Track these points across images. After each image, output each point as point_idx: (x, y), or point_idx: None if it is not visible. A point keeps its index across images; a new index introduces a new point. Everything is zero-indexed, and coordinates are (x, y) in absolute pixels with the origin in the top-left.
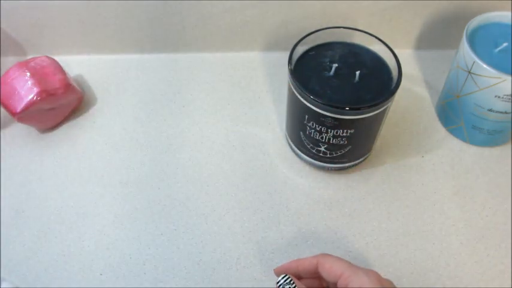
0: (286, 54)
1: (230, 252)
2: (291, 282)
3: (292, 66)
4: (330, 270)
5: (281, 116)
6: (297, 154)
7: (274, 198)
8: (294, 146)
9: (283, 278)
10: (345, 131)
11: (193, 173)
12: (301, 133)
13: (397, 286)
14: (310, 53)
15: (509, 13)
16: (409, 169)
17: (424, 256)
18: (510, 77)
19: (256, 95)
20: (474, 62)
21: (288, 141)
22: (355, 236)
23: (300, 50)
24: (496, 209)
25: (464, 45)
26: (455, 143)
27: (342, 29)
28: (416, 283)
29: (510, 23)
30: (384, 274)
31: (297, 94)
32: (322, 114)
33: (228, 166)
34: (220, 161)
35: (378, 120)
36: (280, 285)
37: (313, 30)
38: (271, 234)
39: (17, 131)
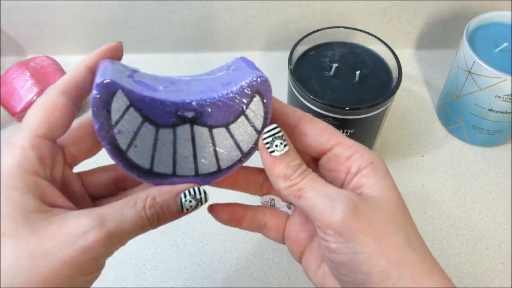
0: (286, 54)
1: (230, 252)
2: (282, 136)
3: (292, 66)
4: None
5: None
6: None
7: None
8: None
9: (275, 127)
10: (345, 131)
11: None
12: None
13: None
14: (310, 53)
15: (509, 13)
16: (409, 169)
17: None
18: (510, 77)
19: None
20: (474, 62)
21: None
22: None
23: (300, 50)
24: (496, 209)
25: (465, 45)
26: (455, 143)
27: (341, 28)
28: None
29: (510, 23)
30: None
31: (297, 94)
32: (322, 114)
33: None
34: None
35: (377, 120)
36: (270, 136)
37: (313, 30)
38: None
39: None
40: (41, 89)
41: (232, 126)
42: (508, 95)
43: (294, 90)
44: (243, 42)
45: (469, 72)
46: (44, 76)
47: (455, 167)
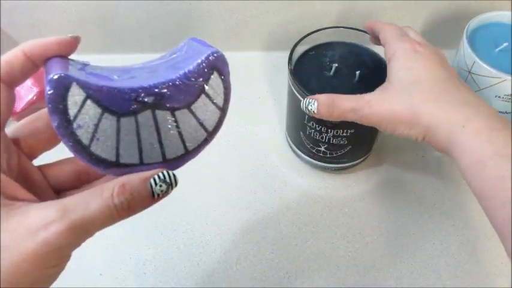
0: (286, 54)
1: (230, 252)
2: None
3: (292, 66)
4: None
5: (281, 116)
6: (296, 154)
7: (274, 198)
8: (294, 146)
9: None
10: (345, 130)
11: (193, 173)
12: (301, 133)
13: (397, 286)
14: (310, 53)
15: (509, 13)
16: (409, 169)
17: (424, 256)
18: (510, 77)
19: (256, 95)
20: (474, 62)
21: (288, 141)
22: (355, 236)
23: (300, 50)
24: None
25: (465, 45)
26: None
27: (341, 28)
28: (417, 283)
29: (510, 23)
30: (384, 274)
31: (297, 94)
32: None
33: (228, 166)
34: (220, 160)
35: None
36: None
37: (313, 30)
38: (271, 234)
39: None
40: (41, 89)
41: (194, 106)
42: (508, 95)
43: (294, 90)
44: (243, 42)
45: (469, 72)
46: (43, 76)
47: (455, 167)
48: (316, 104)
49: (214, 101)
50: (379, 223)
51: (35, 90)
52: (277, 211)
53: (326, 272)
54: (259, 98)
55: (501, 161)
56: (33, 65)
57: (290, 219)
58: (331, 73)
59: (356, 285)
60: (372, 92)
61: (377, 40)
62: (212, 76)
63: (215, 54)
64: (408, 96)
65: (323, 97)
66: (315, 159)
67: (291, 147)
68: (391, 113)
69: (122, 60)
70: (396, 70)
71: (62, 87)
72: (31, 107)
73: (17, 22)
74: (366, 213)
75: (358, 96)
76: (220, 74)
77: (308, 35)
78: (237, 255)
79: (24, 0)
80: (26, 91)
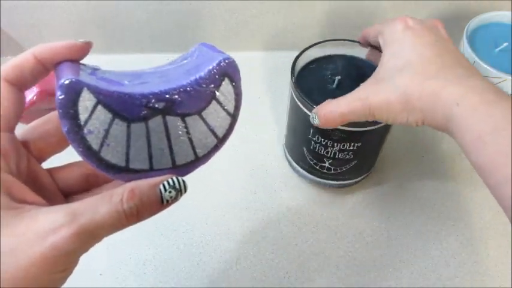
0: (286, 54)
1: (230, 252)
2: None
3: (294, 79)
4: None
5: (281, 116)
6: (295, 169)
7: (274, 198)
8: (294, 163)
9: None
10: (352, 144)
11: (193, 173)
12: (305, 148)
13: (397, 286)
14: (310, 66)
15: (509, 13)
16: (409, 169)
17: (424, 256)
18: (510, 77)
19: (256, 95)
20: (474, 62)
21: (286, 156)
22: (355, 236)
23: (301, 63)
24: (496, 209)
25: (465, 45)
26: (455, 143)
27: (341, 41)
28: (417, 283)
29: (510, 23)
30: (383, 274)
31: (303, 107)
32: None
33: (228, 166)
34: (220, 160)
35: (385, 132)
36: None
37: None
38: (271, 234)
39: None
40: (41, 89)
41: (204, 113)
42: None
43: (299, 104)
44: (243, 42)
45: None
46: (45, 77)
47: (455, 167)
48: (317, 117)
49: (225, 108)
50: (379, 223)
51: (35, 90)
52: (277, 211)
53: (326, 272)
54: (259, 98)
55: (500, 136)
56: (44, 69)
57: (290, 219)
58: (334, 86)
59: (356, 285)
60: (365, 85)
61: (374, 54)
62: (223, 83)
63: (226, 61)
64: (398, 83)
65: (317, 110)
66: (315, 176)
67: (290, 164)
68: (388, 104)
69: (122, 60)
70: (386, 59)
71: (73, 92)
72: (31, 107)
73: (17, 22)
74: (366, 214)
75: (354, 94)
76: (232, 80)
77: (309, 47)
78: (237, 255)
79: (24, 0)
80: (26, 91)
